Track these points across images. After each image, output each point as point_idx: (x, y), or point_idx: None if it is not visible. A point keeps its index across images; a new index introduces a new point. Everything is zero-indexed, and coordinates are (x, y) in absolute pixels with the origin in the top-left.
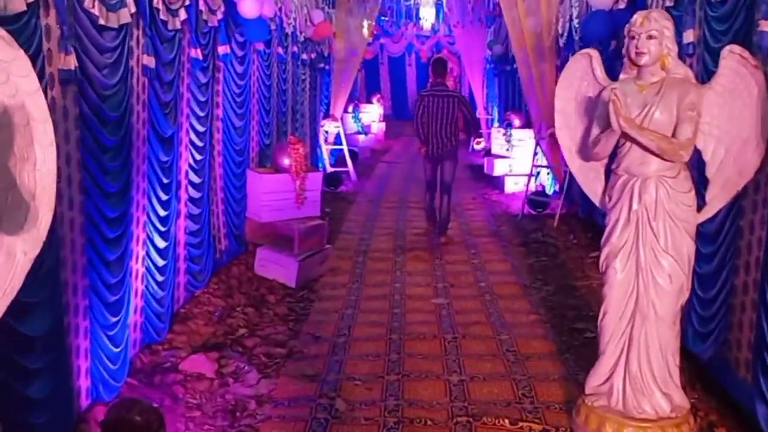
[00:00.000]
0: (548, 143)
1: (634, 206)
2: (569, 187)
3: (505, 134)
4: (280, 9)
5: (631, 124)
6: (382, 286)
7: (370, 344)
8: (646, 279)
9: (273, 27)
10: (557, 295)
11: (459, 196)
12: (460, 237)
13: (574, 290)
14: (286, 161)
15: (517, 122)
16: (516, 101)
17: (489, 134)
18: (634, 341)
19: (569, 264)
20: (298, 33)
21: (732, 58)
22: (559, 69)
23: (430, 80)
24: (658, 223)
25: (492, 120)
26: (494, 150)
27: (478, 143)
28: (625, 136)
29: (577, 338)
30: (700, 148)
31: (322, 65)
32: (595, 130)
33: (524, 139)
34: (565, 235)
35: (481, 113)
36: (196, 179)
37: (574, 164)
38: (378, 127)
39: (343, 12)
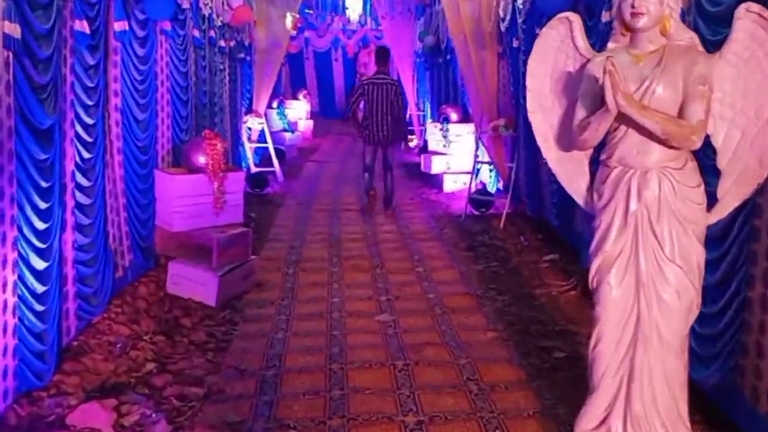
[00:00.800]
0: (490, 137)
1: (632, 206)
2: (515, 184)
3: (441, 129)
4: None
5: (632, 102)
6: (317, 302)
7: (306, 378)
8: (649, 295)
9: (186, 6)
10: (514, 306)
11: (396, 196)
12: (401, 241)
13: (532, 300)
14: (201, 159)
15: (454, 116)
16: (452, 94)
17: (421, 131)
18: (636, 373)
19: (523, 270)
20: (215, 16)
21: (749, 18)
22: (502, 56)
23: (375, 69)
24: (662, 226)
25: (424, 116)
26: (431, 146)
27: (411, 140)
28: (620, 117)
29: (545, 359)
30: (710, 132)
31: (242, 55)
32: (580, 112)
33: (462, 134)
34: (514, 237)
35: (412, 109)
36: (85, 182)
37: (551, 155)
38: (305, 124)
39: (264, 1)
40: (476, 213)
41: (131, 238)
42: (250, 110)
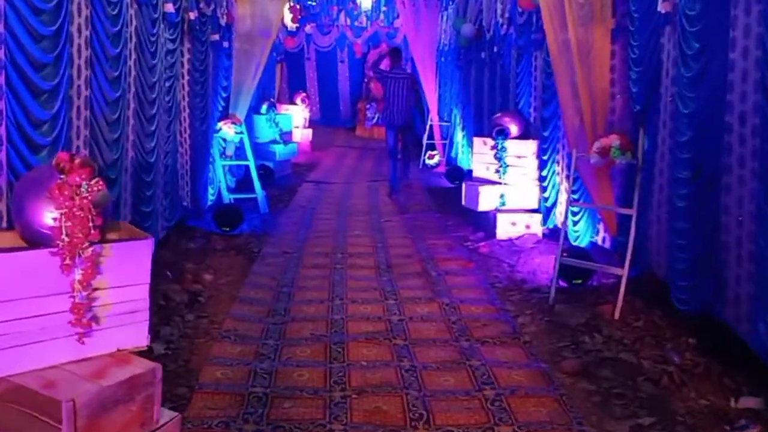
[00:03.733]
0: (593, 165)
1: None
2: (639, 244)
3: (494, 147)
4: None
5: None
6: None
7: None
8: None
9: None
10: None
11: (428, 241)
12: (451, 342)
13: None
14: (47, 219)
15: (513, 129)
16: (498, 100)
17: (444, 146)
18: None
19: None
20: None
21: None
22: (616, 35)
23: (389, 65)
24: None
25: (450, 128)
26: (476, 171)
27: (432, 157)
28: None
29: None
30: None
31: (216, 38)
32: None
33: (526, 155)
34: (651, 345)
35: (433, 119)
36: None
37: None
38: (302, 134)
39: None
40: (565, 285)
41: None
42: (225, 115)
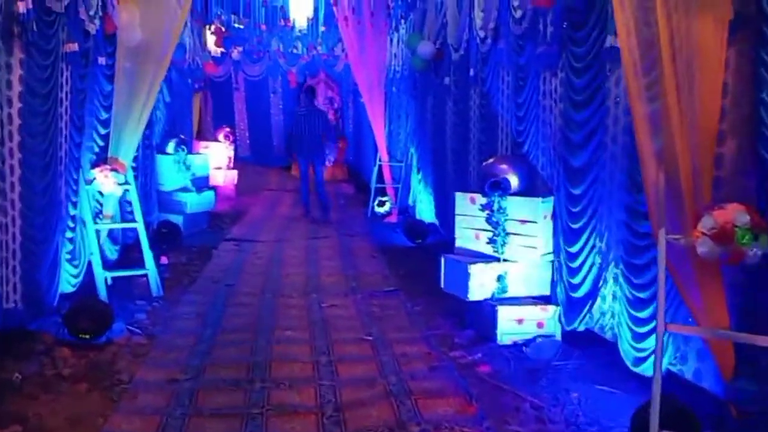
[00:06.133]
0: (696, 255)
1: None
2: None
3: (486, 207)
4: None
5: None
6: None
7: None
8: None
9: None
10: None
11: (396, 348)
12: None
13: None
14: None
15: (514, 181)
16: (488, 138)
17: (396, 190)
18: None
19: None
20: None
21: None
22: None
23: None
24: None
25: (403, 169)
26: (460, 240)
27: (382, 204)
28: None
29: None
30: None
31: (74, 47)
32: None
33: (537, 220)
34: None
35: (383, 159)
36: None
37: None
38: (225, 176)
39: None
40: None
41: None
42: (100, 160)
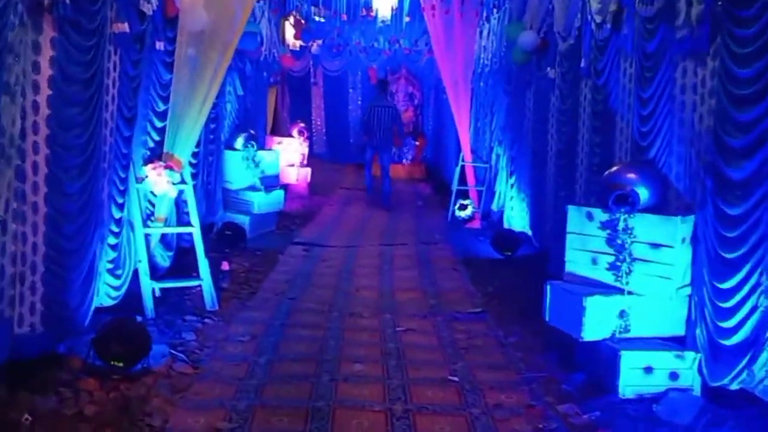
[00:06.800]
0: None
1: None
2: None
3: (609, 225)
4: None
5: None
6: None
7: None
8: None
9: None
10: None
11: (487, 397)
12: None
13: None
14: None
15: (644, 194)
16: (603, 141)
17: (480, 193)
18: None
19: None
20: None
21: None
22: None
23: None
24: None
25: (489, 172)
26: (570, 264)
27: (463, 208)
28: None
29: None
30: None
31: (124, 28)
32: None
33: (671, 243)
34: None
35: (466, 159)
36: None
37: None
38: (298, 174)
39: None
40: None
41: None
42: (154, 156)
